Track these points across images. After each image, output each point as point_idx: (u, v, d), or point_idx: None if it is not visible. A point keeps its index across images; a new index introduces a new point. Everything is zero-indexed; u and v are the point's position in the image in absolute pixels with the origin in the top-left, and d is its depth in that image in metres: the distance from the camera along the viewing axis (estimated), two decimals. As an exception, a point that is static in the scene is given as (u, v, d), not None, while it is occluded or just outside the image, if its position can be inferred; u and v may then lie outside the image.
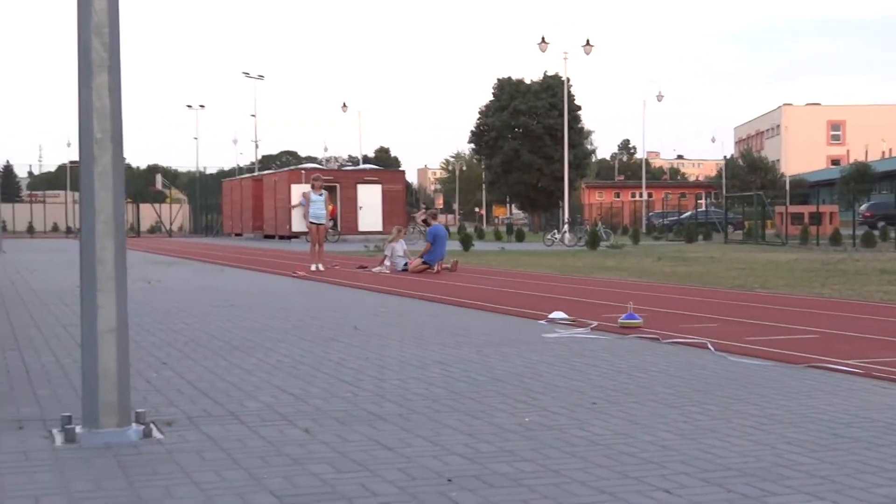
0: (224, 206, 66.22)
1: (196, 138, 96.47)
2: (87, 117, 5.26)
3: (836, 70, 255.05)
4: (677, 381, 6.86)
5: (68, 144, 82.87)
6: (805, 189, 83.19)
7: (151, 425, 5.27)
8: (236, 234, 61.43)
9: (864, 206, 57.99)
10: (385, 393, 6.41)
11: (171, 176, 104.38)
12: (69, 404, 5.89)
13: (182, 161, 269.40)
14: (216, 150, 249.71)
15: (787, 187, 75.69)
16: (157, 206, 77.90)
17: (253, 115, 80.00)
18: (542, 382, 6.80)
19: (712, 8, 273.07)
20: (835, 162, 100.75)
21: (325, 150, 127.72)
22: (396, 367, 7.52)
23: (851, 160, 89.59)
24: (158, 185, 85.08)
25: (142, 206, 73.88)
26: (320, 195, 22.06)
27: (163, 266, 23.74)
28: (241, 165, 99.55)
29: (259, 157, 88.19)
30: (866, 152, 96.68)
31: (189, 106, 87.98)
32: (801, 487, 4.18)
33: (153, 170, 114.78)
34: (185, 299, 13.79)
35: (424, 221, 23.33)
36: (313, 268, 20.99)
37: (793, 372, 7.22)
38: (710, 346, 8.47)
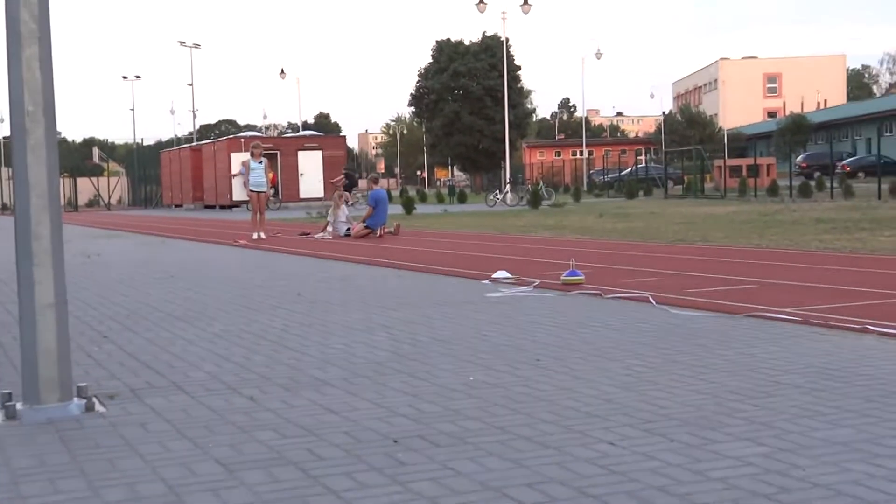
0: (163, 178, 65.48)
1: (132, 109, 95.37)
2: (17, 90, 5.17)
3: (772, 20, 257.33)
4: (620, 335, 6.93)
5: (1, 120, 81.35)
6: (743, 142, 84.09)
7: (94, 399, 5.22)
8: (176, 206, 60.83)
9: (800, 158, 58.84)
10: (329, 358, 6.41)
11: (109, 149, 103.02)
12: (9, 381, 5.82)
13: (119, 133, 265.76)
14: (153, 121, 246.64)
15: (726, 141, 76.38)
16: (94, 179, 76.87)
17: (190, 85, 79.11)
18: (486, 341, 6.84)
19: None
20: (771, 114, 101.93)
21: (265, 117, 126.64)
22: (340, 331, 7.52)
23: (787, 112, 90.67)
24: (95, 159, 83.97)
25: (79, 180, 72.90)
26: (260, 163, 21.86)
27: (102, 239, 23.46)
28: (180, 136, 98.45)
29: (197, 126, 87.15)
30: (802, 104, 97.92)
31: (124, 77, 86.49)
32: (741, 434, 4.25)
33: (90, 143, 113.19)
34: (125, 272, 13.65)
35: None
36: (255, 236, 20.90)
37: (733, 322, 7.32)
38: (651, 299, 8.57)
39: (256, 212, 21.83)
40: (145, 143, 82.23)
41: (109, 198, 73.88)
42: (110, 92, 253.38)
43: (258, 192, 21.78)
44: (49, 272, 5.17)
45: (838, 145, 69.30)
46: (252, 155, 21.94)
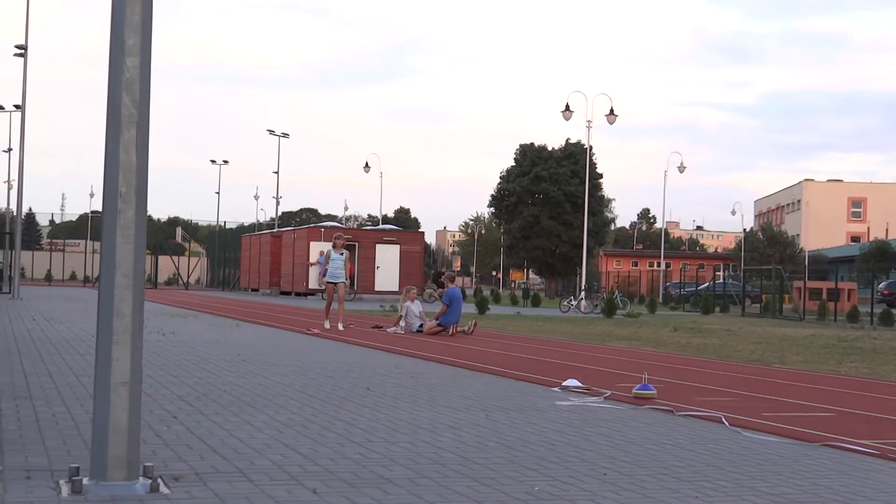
0: (242, 261, 66.43)
1: (218, 193, 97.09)
2: (112, 171, 5.30)
3: (855, 147, 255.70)
4: (690, 454, 6.79)
5: (91, 195, 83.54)
6: (824, 265, 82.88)
7: (159, 480, 5.24)
8: (253, 290, 61.54)
9: (882, 285, 57.69)
10: (395, 456, 6.37)
11: (192, 229, 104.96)
12: (78, 455, 5.88)
13: (203, 214, 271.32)
14: (237, 205, 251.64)
15: (806, 262, 75.43)
16: (175, 258, 78.26)
17: (275, 172, 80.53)
18: (553, 451, 6.75)
19: (735, 81, 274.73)
20: (855, 239, 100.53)
21: (346, 208, 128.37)
22: (407, 429, 7.48)
23: (872, 238, 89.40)
24: (178, 238, 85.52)
25: (161, 257, 74.27)
26: (341, 255, 21.92)
27: (178, 318, 23.78)
28: (262, 221, 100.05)
29: (279, 213, 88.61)
30: (887, 230, 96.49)
31: (213, 161, 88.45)
32: (812, 569, 4.11)
33: (174, 222, 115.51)
34: (198, 353, 13.79)
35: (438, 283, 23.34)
36: (327, 325, 21.01)
37: (807, 450, 7.14)
38: (724, 420, 8.40)
39: (331, 301, 21.91)
40: (227, 226, 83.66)
41: (188, 277, 75.09)
42: (198, 174, 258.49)
43: (335, 283, 21.89)
44: (127, 350, 5.24)
45: (923, 275, 67.92)
46: (334, 246, 22.04)
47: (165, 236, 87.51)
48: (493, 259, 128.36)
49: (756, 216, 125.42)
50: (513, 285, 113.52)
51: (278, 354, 14.06)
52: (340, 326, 20.97)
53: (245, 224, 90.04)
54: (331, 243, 22.51)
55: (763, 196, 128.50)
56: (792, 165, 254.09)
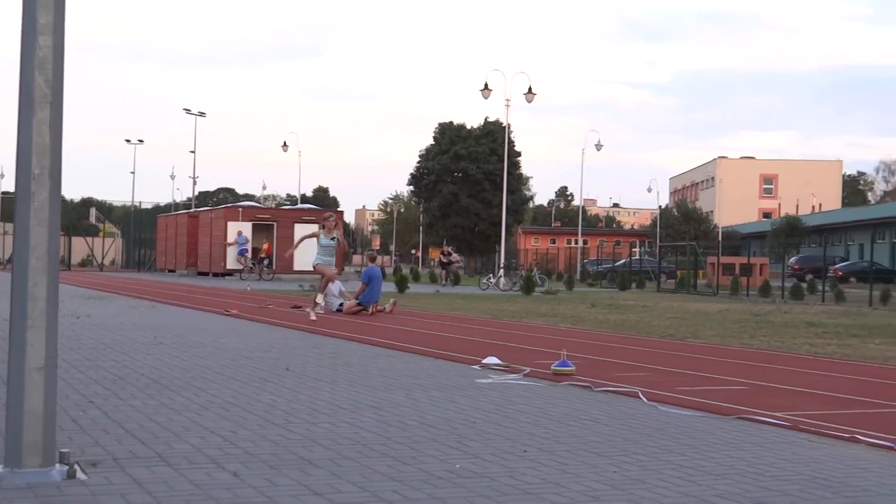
0: (158, 242, 65.53)
1: (133, 173, 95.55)
2: (25, 153, 5.20)
3: (768, 125, 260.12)
4: (608, 429, 6.90)
5: (2, 175, 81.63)
6: (737, 241, 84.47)
7: (76, 466, 5.17)
8: (170, 271, 60.76)
9: (793, 259, 59.00)
10: (315, 437, 6.36)
11: (106, 210, 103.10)
12: (-8, 442, 5.77)
13: (117, 195, 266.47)
14: (153, 185, 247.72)
15: (720, 238, 76.73)
16: (89, 239, 76.89)
17: (192, 152, 79.48)
18: (474, 429, 6.80)
19: (651, 59, 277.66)
20: (766, 215, 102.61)
21: (264, 188, 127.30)
22: (327, 409, 7.48)
23: (782, 213, 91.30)
24: (92, 219, 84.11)
25: (74, 238, 72.91)
26: (332, 238, 18.84)
27: (93, 301, 23.40)
28: (178, 201, 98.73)
29: (196, 193, 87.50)
30: (797, 206, 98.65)
31: (127, 140, 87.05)
32: (727, 540, 4.21)
33: (87, 203, 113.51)
34: (114, 336, 13.59)
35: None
36: (320, 301, 19.34)
37: (722, 423, 7.30)
38: (641, 395, 8.54)
39: (325, 283, 19.28)
40: (143, 207, 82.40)
41: (103, 258, 73.85)
42: (112, 154, 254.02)
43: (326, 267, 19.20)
44: (42, 335, 5.15)
45: (831, 249, 69.72)
46: (323, 227, 18.90)
47: (79, 217, 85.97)
48: (412, 237, 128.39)
49: (671, 193, 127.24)
50: (432, 263, 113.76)
51: (196, 336, 13.92)
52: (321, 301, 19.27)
53: (161, 204, 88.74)
54: (318, 226, 19.48)
55: (678, 173, 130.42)
56: (706, 143, 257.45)
